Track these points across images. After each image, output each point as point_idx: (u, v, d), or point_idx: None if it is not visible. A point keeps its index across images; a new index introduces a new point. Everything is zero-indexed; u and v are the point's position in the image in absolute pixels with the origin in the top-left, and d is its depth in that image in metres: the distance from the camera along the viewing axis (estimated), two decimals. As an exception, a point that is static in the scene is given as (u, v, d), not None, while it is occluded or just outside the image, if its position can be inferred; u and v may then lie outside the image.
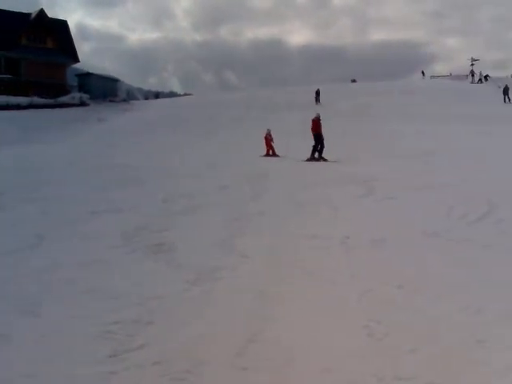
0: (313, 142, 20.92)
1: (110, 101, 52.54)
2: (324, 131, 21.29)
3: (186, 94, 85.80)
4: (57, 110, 45.12)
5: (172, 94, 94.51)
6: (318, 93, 47.59)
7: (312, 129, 21.38)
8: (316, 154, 20.70)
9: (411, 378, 4.02)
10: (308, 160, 20.33)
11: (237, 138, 27.26)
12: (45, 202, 11.85)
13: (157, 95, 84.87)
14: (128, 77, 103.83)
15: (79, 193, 13.15)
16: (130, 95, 65.32)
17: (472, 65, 70.61)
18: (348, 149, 22.27)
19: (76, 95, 50.63)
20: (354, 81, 71.15)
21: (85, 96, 50.53)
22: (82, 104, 49.27)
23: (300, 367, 4.24)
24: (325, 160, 20.14)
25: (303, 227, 9.09)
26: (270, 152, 23.39)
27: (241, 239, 8.35)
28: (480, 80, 60.72)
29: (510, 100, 45.23)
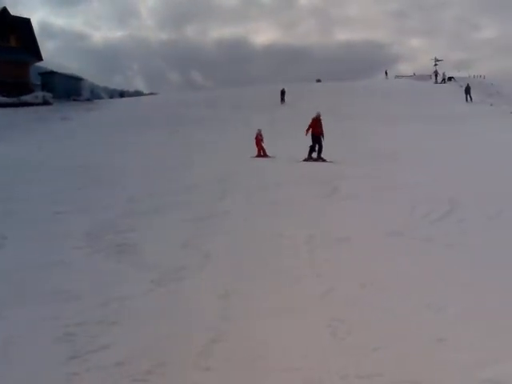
0: (309, 142, 20.43)
1: (74, 100, 51.86)
2: (293, 132, 21.24)
3: (151, 93, 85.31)
4: (20, 109, 44.44)
5: (137, 93, 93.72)
6: (283, 92, 47.61)
7: (311, 128, 20.66)
8: (314, 154, 20.18)
9: (373, 376, 4.05)
10: (305, 160, 19.87)
11: (202, 138, 27.10)
12: (8, 202, 11.69)
13: (122, 94, 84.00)
14: (92, 76, 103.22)
15: (43, 193, 12.95)
16: (95, 94, 64.57)
17: (435, 65, 71.48)
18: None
19: (39, 94, 49.83)
20: (318, 81, 71.33)
21: (48, 95, 49.77)
22: (46, 103, 48.52)
23: (263, 366, 4.25)
24: (323, 160, 19.66)
25: (269, 226, 9.12)
26: (262, 153, 22.48)
27: (206, 239, 8.34)
28: (443, 80, 61.45)
29: (471, 99, 46.09)
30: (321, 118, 20.96)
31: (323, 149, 20.09)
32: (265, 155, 22.24)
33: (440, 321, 5.10)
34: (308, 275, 6.50)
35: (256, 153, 22.36)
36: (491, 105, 43.03)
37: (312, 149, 20.20)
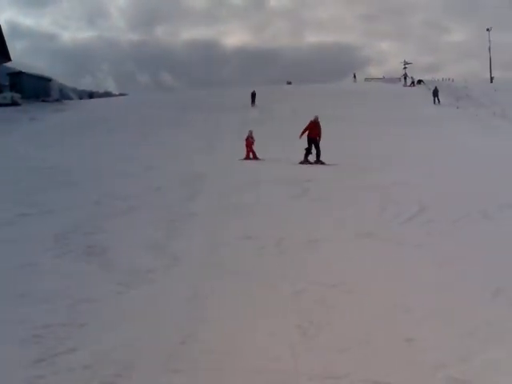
0: (299, 145, 20.18)
1: (43, 100, 51.27)
2: (265, 134, 21.16)
3: (121, 94, 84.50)
4: (-13, 110, 43.88)
5: (107, 94, 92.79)
6: (253, 95, 47.57)
7: (308, 131, 20.25)
8: (310, 157, 19.81)
9: (342, 377, 4.06)
10: (301, 163, 19.59)
11: (173, 140, 27.00)
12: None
13: (91, 95, 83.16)
14: (62, 76, 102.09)
15: (9, 194, 12.76)
16: (64, 95, 64.00)
17: (405, 68, 72.36)
18: (284, 150, 22.37)
19: (7, 95, 49.15)
20: (289, 83, 71.43)
21: (16, 95, 49.10)
22: (14, 103, 47.84)
23: (232, 368, 4.23)
24: (322, 163, 19.40)
25: (238, 228, 9.11)
26: (251, 155, 21.86)
27: (174, 241, 8.31)
28: (413, 83, 62.06)
29: (439, 101, 47.00)
30: (319, 120, 20.66)
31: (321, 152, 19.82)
32: (254, 158, 21.72)
33: (408, 321, 5.14)
34: (277, 277, 6.50)
35: (244, 155, 21.79)
36: (457, 108, 43.68)
37: (308, 151, 19.92)
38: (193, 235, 8.79)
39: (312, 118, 20.79)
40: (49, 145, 25.79)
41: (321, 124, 20.66)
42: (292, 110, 39.56)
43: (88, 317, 5.35)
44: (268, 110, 40.31)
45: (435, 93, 47.66)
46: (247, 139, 22.52)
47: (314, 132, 20.17)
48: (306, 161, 19.74)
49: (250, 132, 22.99)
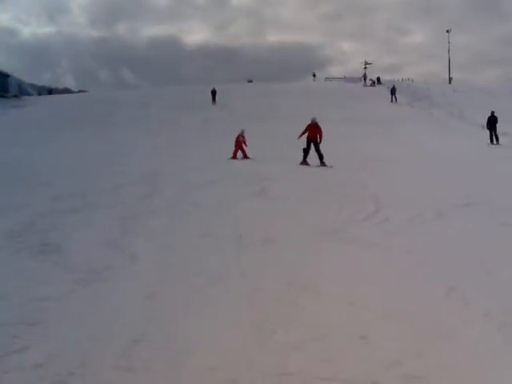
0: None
1: (1, 96, 50.61)
2: (225, 132, 20.89)
3: (80, 91, 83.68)
4: None
5: (66, 91, 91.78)
6: (213, 92, 47.46)
7: (308, 133, 19.46)
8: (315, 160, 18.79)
9: (296, 374, 4.08)
10: (301, 164, 18.88)
11: (134, 137, 26.82)
12: None
13: (50, 91, 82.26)
14: (20, 72, 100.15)
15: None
16: (23, 91, 63.18)
17: (365, 68, 73.09)
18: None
19: (-36, 90, 48.51)
20: (250, 81, 71.67)
21: (-27, 91, 48.50)
22: (-29, 99, 47.25)
23: (186, 367, 4.21)
24: (324, 165, 18.49)
25: (196, 226, 9.09)
26: (240, 155, 21.21)
27: (131, 239, 8.23)
28: (373, 83, 62.71)
29: (396, 100, 48.57)
30: (316, 121, 19.82)
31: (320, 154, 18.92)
32: (244, 157, 21.20)
33: (363, 319, 5.17)
34: (233, 275, 6.49)
35: (232, 154, 21.16)
36: (415, 108, 44.46)
37: (306, 152, 19.21)
38: (151, 233, 8.72)
39: (309, 121, 19.98)
40: (5, 141, 25.41)
41: (319, 125, 19.77)
42: (252, 108, 39.65)
43: (41, 315, 5.27)
44: (229, 108, 40.33)
45: (393, 91, 49.32)
46: (238, 138, 21.93)
47: (312, 133, 19.45)
48: (304, 162, 19.07)
49: (242, 131, 22.35)
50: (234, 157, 21.10)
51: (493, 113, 28.11)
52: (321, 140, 19.35)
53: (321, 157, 18.88)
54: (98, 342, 4.64)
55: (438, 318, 5.20)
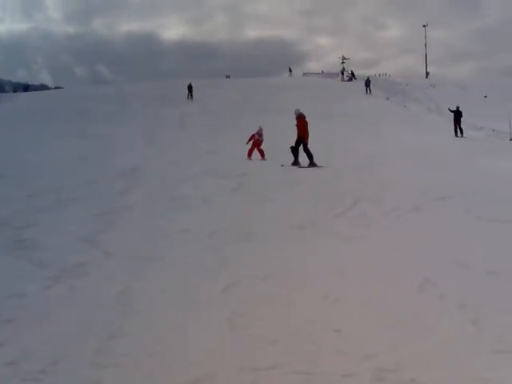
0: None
1: (-25, 93, 50.13)
2: (202, 126, 20.59)
3: (57, 87, 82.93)
4: None
5: (42, 87, 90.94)
6: (190, 87, 47.20)
7: (298, 129, 17.86)
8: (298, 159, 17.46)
9: (270, 368, 4.09)
10: (294, 164, 17.23)
11: (111, 133, 26.64)
12: None
13: (26, 88, 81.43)
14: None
15: None
16: (-2, 87, 62.59)
17: (343, 63, 73.26)
18: (220, 143, 22.41)
19: None
20: (228, 77, 71.47)
21: None
22: None
23: (161, 362, 4.21)
24: (314, 165, 16.95)
25: (173, 221, 9.08)
26: (257, 154, 19.29)
27: (107, 235, 8.20)
28: (350, 78, 62.96)
29: (370, 91, 50.24)
30: (298, 116, 18.20)
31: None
32: (262, 157, 19.23)
33: (337, 312, 5.21)
34: (210, 270, 6.49)
35: (248, 153, 19.24)
36: (391, 102, 44.86)
37: (294, 150, 17.63)
38: (127, 228, 8.71)
39: (297, 114, 18.34)
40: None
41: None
42: (229, 103, 39.66)
43: (15, 312, 5.24)
44: (206, 103, 40.30)
45: (367, 83, 51.12)
46: (253, 136, 19.83)
47: (304, 131, 17.83)
48: (296, 162, 17.44)
49: (260, 129, 20.09)
50: (249, 157, 19.18)
51: (458, 108, 30.02)
52: (305, 137, 17.78)
53: (309, 157, 17.40)
54: (73, 339, 4.62)
55: (413, 310, 5.25)
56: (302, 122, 18.02)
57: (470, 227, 8.67)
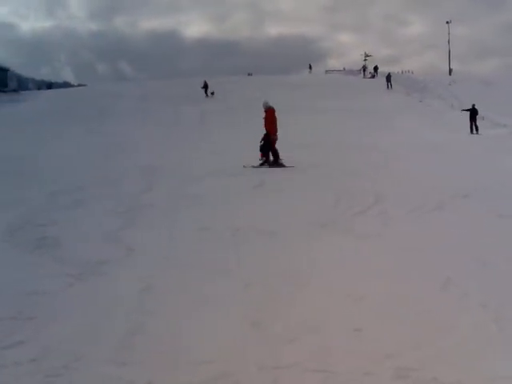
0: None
1: (0, 91, 50.55)
2: (229, 125, 20.19)
3: (80, 85, 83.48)
4: None
5: (66, 85, 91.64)
6: (205, 86, 47.19)
7: (265, 122, 16.75)
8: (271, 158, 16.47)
9: (291, 366, 4.08)
10: (271, 165, 16.16)
11: (132, 131, 26.81)
12: None
13: (49, 85, 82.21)
14: (20, 66, 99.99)
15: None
16: (22, 85, 63.17)
17: (365, 60, 72.96)
18: (239, 140, 22.36)
19: (-37, 85, 48.45)
20: (250, 74, 71.54)
21: (-28, 86, 48.45)
22: (-30, 94, 47.18)
23: (182, 359, 4.22)
24: (279, 165, 16.00)
25: (194, 219, 9.08)
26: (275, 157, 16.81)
27: (129, 232, 8.25)
28: (373, 75, 62.69)
29: (391, 86, 51.44)
30: (267, 109, 16.97)
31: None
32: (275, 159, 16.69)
33: (359, 311, 5.18)
34: (230, 268, 6.49)
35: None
36: (411, 98, 44.69)
37: (264, 149, 16.67)
38: (148, 226, 8.73)
39: (266, 106, 17.08)
40: (4, 136, 25.40)
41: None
42: (250, 100, 39.60)
43: (37, 310, 5.28)
44: (226, 101, 40.40)
45: (388, 78, 52.18)
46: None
47: (272, 125, 16.69)
48: (276, 162, 16.37)
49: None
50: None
51: (473, 105, 30.68)
52: (270, 132, 16.60)
53: (274, 154, 16.50)
54: (94, 336, 4.65)
55: (435, 309, 5.20)
56: (270, 115, 16.74)
57: (493, 226, 8.56)
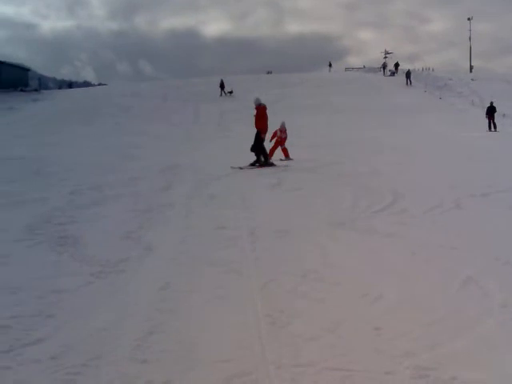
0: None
1: (22, 90, 50.90)
2: (247, 123, 20.02)
3: (100, 84, 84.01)
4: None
5: (86, 84, 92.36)
6: (222, 85, 47.15)
7: (256, 120, 16.23)
8: (262, 158, 15.97)
9: (309, 365, 4.07)
10: (264, 165, 15.69)
11: (152, 130, 26.94)
12: None
13: (70, 85, 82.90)
14: (40, 66, 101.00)
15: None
16: (43, 84, 63.56)
17: (385, 57, 72.49)
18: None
19: (-15, 85, 48.81)
20: (269, 72, 71.42)
21: (-6, 85, 48.78)
22: (-9, 94, 47.47)
23: (200, 357, 4.23)
24: (262, 165, 15.74)
25: (212, 218, 9.11)
26: (278, 155, 17.47)
27: (148, 231, 8.30)
28: (393, 73, 62.31)
29: (411, 83, 51.88)
30: (258, 106, 16.41)
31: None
32: (286, 157, 17.64)
33: (377, 310, 5.16)
34: (249, 267, 6.51)
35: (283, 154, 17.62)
36: (432, 95, 44.55)
37: (254, 149, 16.09)
38: (167, 225, 8.78)
39: (257, 103, 16.52)
40: (24, 135, 25.61)
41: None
42: (270, 99, 39.58)
43: (57, 308, 5.33)
44: (245, 100, 40.33)
45: (408, 75, 52.95)
46: (275, 133, 18.09)
47: (262, 123, 16.14)
48: (266, 162, 16.00)
49: (282, 125, 18.34)
50: (270, 157, 16.76)
51: (491, 103, 31.25)
52: (261, 130, 16.06)
53: (264, 153, 16.07)
54: (113, 334, 4.68)
55: (454, 308, 5.17)
56: (261, 112, 16.18)
57: (513, 224, 8.51)
